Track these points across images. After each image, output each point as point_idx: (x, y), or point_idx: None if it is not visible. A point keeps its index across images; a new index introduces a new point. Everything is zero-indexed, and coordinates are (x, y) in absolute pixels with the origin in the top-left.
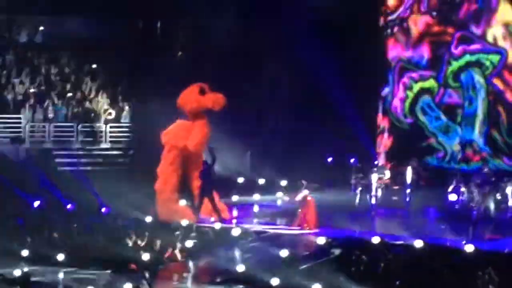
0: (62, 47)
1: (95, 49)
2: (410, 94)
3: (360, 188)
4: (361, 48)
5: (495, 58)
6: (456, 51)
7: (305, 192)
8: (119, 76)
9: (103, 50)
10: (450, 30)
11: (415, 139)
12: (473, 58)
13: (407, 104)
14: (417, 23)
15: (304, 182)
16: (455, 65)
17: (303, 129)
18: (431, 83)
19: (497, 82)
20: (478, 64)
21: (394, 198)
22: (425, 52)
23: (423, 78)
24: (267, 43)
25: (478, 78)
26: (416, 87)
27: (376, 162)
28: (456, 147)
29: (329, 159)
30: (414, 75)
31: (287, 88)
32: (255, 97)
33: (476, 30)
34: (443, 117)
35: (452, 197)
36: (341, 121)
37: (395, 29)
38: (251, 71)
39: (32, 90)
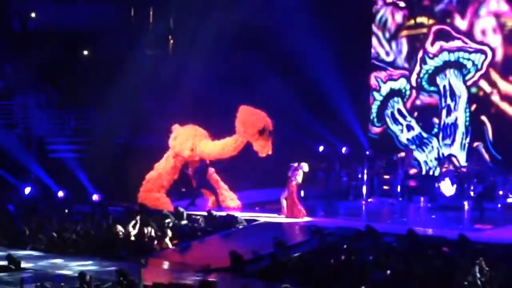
0: (55, 33)
1: (88, 36)
2: (378, 97)
3: (351, 177)
4: (354, 41)
5: (479, 58)
6: (432, 48)
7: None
8: (111, 63)
9: (96, 37)
10: (427, 22)
11: (384, 151)
12: (452, 57)
13: (374, 108)
14: (394, 15)
15: (303, 164)
16: (430, 65)
17: (295, 119)
18: (402, 84)
19: (480, 86)
20: (458, 65)
21: (386, 187)
22: (397, 48)
23: (393, 79)
24: (257, 37)
25: (458, 82)
26: (385, 88)
27: (367, 152)
28: None
29: (321, 148)
30: (382, 74)
31: (278, 81)
32: (248, 84)
33: (461, 23)
34: (417, 126)
35: (443, 186)
36: (333, 111)
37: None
38: (244, 62)
39: (24, 77)
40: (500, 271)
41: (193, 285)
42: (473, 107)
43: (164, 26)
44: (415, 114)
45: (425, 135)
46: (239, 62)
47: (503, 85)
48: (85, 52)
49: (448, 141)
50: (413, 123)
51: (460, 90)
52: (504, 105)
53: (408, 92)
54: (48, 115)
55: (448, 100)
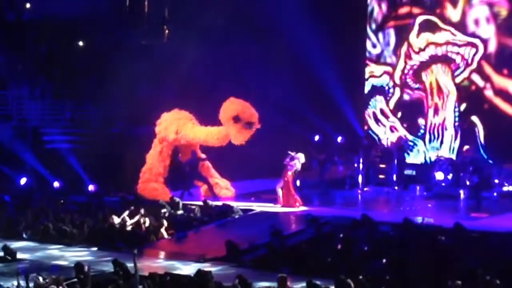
0: (50, 24)
1: (83, 26)
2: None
3: (346, 167)
4: (350, 29)
5: (469, 52)
6: (418, 42)
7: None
8: (107, 53)
9: (91, 27)
10: (414, 12)
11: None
12: (440, 51)
13: None
14: (380, 5)
15: (299, 155)
16: (416, 59)
17: (289, 108)
18: (384, 81)
19: (473, 80)
20: (446, 60)
21: (381, 176)
22: (384, 40)
23: (375, 75)
24: (252, 25)
25: (446, 79)
26: (367, 86)
27: (363, 141)
28: None
29: (316, 138)
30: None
31: (274, 68)
32: (243, 73)
33: (452, 13)
34: (401, 128)
35: (439, 175)
36: (328, 100)
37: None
38: (239, 49)
39: (20, 67)
40: (494, 259)
41: (189, 275)
42: (463, 106)
43: (159, 15)
44: (399, 114)
45: (410, 137)
46: (235, 51)
47: (497, 79)
48: (80, 43)
49: (435, 144)
50: (397, 124)
51: (448, 87)
52: (497, 101)
53: (391, 90)
54: (43, 105)
55: (435, 99)
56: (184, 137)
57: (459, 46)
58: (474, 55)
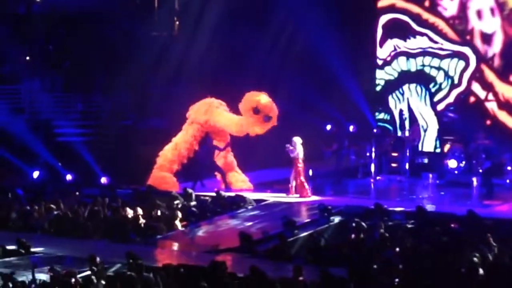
0: (60, 16)
1: (94, 18)
2: None
3: (359, 156)
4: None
5: (456, 65)
6: (382, 51)
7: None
8: (117, 45)
9: (101, 19)
10: (397, 5)
11: None
12: (413, 65)
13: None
14: None
15: (294, 140)
16: (379, 78)
17: (300, 96)
18: None
19: (471, 91)
20: (422, 77)
21: (394, 165)
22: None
23: None
24: (263, 16)
25: (422, 105)
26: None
27: (375, 130)
28: None
29: (328, 127)
30: None
31: (285, 58)
32: (254, 64)
33: (447, 4)
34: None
35: (451, 163)
36: (340, 89)
37: None
38: (251, 41)
39: (30, 60)
40: (510, 245)
41: (203, 266)
42: (447, 146)
43: (169, 7)
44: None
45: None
46: (246, 42)
47: (502, 88)
48: (90, 35)
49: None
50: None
51: (425, 117)
52: (503, 116)
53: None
54: (54, 98)
55: (408, 134)
56: (212, 120)
57: (441, 57)
58: (463, 71)
